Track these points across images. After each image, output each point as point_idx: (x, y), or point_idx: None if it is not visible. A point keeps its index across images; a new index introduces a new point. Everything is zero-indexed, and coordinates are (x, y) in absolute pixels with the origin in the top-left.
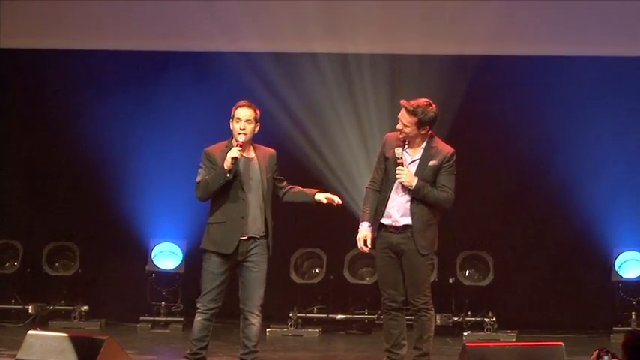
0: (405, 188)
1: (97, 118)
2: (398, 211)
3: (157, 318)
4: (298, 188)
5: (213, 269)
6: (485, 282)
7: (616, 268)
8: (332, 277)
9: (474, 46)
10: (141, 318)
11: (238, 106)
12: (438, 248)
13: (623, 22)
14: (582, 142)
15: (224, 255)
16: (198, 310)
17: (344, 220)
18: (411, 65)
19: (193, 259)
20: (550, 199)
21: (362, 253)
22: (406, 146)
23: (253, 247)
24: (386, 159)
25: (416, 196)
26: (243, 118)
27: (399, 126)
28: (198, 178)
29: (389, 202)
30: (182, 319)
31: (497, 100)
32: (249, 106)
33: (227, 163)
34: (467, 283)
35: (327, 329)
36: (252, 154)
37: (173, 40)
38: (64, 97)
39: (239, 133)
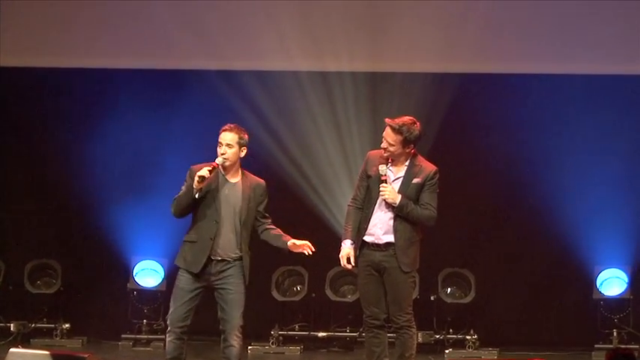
0: (388, 205)
1: (80, 137)
2: (381, 228)
3: (138, 336)
4: (278, 231)
5: (183, 286)
6: (467, 299)
7: (598, 286)
8: (313, 294)
9: (456, 64)
10: (122, 336)
11: (222, 130)
12: (419, 266)
13: (604, 40)
14: (564, 158)
15: (194, 274)
16: (168, 330)
17: (326, 237)
18: (393, 83)
19: (175, 276)
20: (532, 216)
21: (344, 271)
22: (389, 164)
23: (227, 269)
24: (369, 176)
25: (399, 213)
26: (224, 142)
27: (384, 144)
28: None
29: (371, 219)
30: (164, 337)
31: (479, 117)
32: (231, 130)
33: (195, 182)
34: (449, 300)
35: (308, 347)
36: (237, 179)
37: (155, 58)
38: (46, 115)
39: (219, 157)
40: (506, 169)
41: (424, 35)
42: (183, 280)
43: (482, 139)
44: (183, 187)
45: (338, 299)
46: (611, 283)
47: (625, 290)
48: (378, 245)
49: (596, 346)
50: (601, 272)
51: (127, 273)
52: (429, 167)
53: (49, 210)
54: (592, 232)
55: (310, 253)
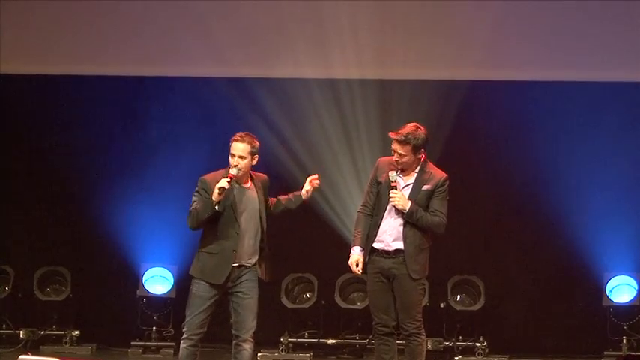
0: (398, 212)
1: (88, 144)
2: (390, 235)
3: (148, 343)
4: (284, 197)
5: (201, 293)
6: (477, 307)
7: (607, 293)
8: (323, 301)
9: (465, 70)
10: (132, 343)
11: (233, 140)
12: (428, 273)
13: (610, 46)
14: (572, 165)
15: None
16: (184, 337)
17: (335, 245)
18: (402, 90)
19: (184, 283)
20: (541, 223)
21: (353, 278)
22: (398, 170)
23: (244, 274)
24: (379, 183)
25: (409, 219)
26: (237, 153)
27: (396, 157)
28: (192, 207)
29: (381, 226)
30: (173, 343)
31: (488, 124)
32: (242, 140)
33: (214, 194)
34: (458, 307)
35: (318, 354)
36: (248, 184)
37: (162, 65)
38: (53, 122)
39: (231, 167)
40: (514, 176)
41: (433, 42)
42: (202, 288)
43: (490, 145)
44: (195, 199)
45: (347, 306)
46: (621, 289)
47: (635, 297)
48: (387, 252)
49: (605, 353)
50: (610, 279)
51: (136, 280)
52: (439, 174)
53: (58, 217)
54: (601, 238)
55: (318, 183)
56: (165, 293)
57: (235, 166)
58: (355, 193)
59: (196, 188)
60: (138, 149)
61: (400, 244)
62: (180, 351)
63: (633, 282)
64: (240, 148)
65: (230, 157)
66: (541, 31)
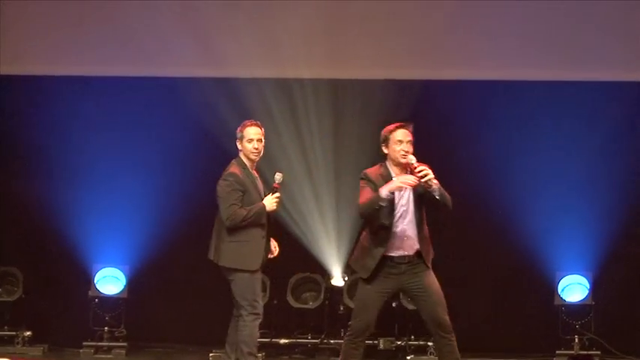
0: (407, 212)
1: (41, 145)
2: (409, 238)
3: (100, 343)
4: None
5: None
6: None
7: (559, 292)
8: (275, 301)
9: (417, 70)
10: (84, 343)
11: (249, 125)
12: None
13: (566, 46)
14: (525, 164)
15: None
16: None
17: (287, 244)
18: (353, 90)
19: (136, 284)
20: (492, 222)
21: (305, 278)
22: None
23: None
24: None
25: (441, 193)
26: (256, 137)
27: (409, 147)
28: (230, 202)
29: (397, 234)
30: (125, 344)
31: (440, 124)
32: (257, 125)
33: (273, 206)
34: (410, 307)
35: (270, 354)
36: (255, 172)
37: (120, 65)
38: (7, 122)
39: (252, 152)
40: (465, 175)
41: (385, 42)
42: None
43: (441, 145)
44: (232, 195)
45: (299, 306)
46: (573, 289)
47: (586, 296)
48: (406, 257)
49: (557, 352)
50: (562, 278)
51: (88, 280)
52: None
53: (9, 217)
54: (553, 238)
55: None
56: (117, 294)
57: (256, 149)
58: (306, 191)
59: (230, 183)
60: (88, 149)
61: (417, 243)
62: None
63: (585, 281)
64: (258, 131)
65: (247, 143)
66: (491, 29)
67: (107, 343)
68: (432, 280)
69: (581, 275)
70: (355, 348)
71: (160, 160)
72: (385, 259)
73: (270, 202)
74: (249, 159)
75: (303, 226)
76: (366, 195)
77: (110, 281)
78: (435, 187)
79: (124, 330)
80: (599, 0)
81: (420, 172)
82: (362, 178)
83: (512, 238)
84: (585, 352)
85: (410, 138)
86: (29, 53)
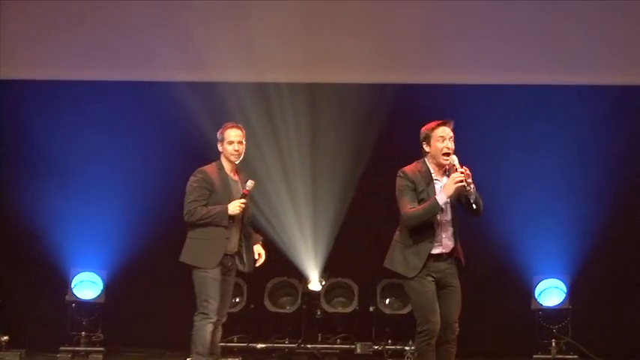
0: (446, 210)
1: (16, 149)
2: (445, 236)
3: (77, 348)
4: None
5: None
6: (406, 310)
7: (536, 296)
8: (252, 306)
9: (394, 74)
10: (61, 348)
11: (229, 127)
12: (358, 276)
13: (538, 50)
14: (502, 167)
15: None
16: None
17: (264, 248)
18: (331, 94)
19: (113, 288)
20: (469, 226)
21: (283, 282)
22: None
23: (231, 264)
24: (421, 191)
25: (477, 197)
26: (236, 139)
27: (452, 144)
28: (192, 198)
29: (437, 231)
30: (102, 349)
31: (418, 128)
32: (238, 127)
33: (235, 210)
34: (387, 311)
35: (247, 358)
36: (236, 175)
37: (93, 69)
38: None
39: (232, 154)
40: None
41: (362, 45)
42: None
43: (420, 148)
44: (195, 190)
45: (277, 310)
46: (550, 293)
47: (563, 300)
48: (444, 254)
49: (534, 356)
50: (539, 282)
51: (65, 285)
52: None
53: None
54: (530, 242)
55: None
56: (94, 298)
57: (237, 151)
58: (283, 195)
59: (197, 180)
60: (65, 154)
61: (452, 242)
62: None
63: (562, 285)
64: (239, 134)
65: (227, 145)
66: (468, 32)
67: (84, 348)
68: (459, 282)
69: (559, 279)
70: (432, 350)
71: (138, 165)
72: (429, 257)
73: (234, 206)
74: (229, 161)
75: (280, 230)
76: (408, 202)
77: (87, 286)
78: (472, 191)
79: (101, 335)
80: (581, 2)
81: (463, 173)
82: (400, 177)
83: (488, 242)
84: (562, 357)
85: (452, 135)
86: None
